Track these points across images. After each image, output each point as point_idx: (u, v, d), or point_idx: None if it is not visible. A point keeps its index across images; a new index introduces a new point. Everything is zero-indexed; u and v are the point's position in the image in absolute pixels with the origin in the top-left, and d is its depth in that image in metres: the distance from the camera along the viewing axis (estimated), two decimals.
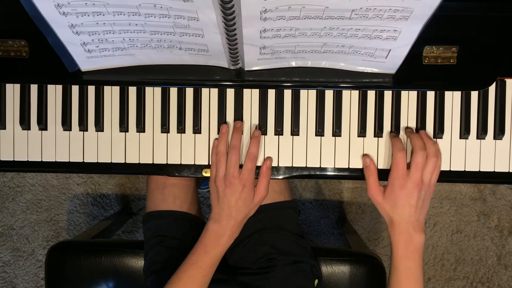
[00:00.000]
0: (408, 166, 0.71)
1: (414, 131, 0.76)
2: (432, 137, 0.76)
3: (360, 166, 0.77)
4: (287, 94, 0.77)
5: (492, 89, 0.76)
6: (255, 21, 0.59)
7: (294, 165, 0.77)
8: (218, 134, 0.77)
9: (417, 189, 0.70)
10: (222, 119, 0.77)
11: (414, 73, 0.72)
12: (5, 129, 0.78)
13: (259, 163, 0.76)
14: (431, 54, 0.71)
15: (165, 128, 0.77)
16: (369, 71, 0.71)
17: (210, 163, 0.77)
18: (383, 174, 0.74)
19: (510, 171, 0.76)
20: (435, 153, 0.71)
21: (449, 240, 1.54)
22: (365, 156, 0.76)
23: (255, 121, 0.77)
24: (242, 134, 0.76)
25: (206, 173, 0.78)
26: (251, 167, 0.74)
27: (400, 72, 0.70)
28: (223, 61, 0.70)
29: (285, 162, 0.77)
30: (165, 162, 0.78)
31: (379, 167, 0.76)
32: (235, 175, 0.73)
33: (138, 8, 0.59)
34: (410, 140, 0.74)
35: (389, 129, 0.76)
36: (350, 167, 0.77)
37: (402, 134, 0.77)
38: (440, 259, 1.55)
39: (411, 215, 0.70)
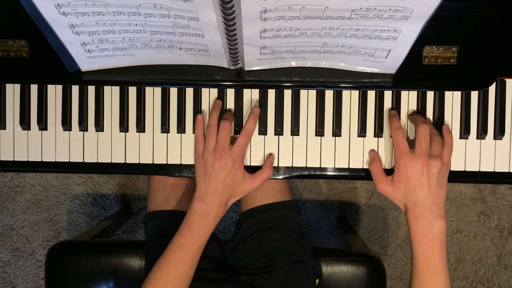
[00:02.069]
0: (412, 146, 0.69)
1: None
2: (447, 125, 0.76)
3: (360, 166, 0.76)
4: (287, 94, 0.77)
5: (492, 89, 0.76)
6: (255, 21, 0.59)
7: (294, 165, 0.77)
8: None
9: (425, 165, 0.66)
10: (221, 118, 0.77)
11: (414, 73, 0.72)
12: (5, 129, 0.78)
13: (258, 163, 0.76)
14: (431, 54, 0.71)
15: (165, 128, 0.77)
16: (369, 71, 0.71)
17: (195, 137, 0.74)
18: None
19: (510, 171, 0.76)
20: (436, 133, 0.70)
21: (449, 240, 1.54)
22: (371, 150, 0.76)
23: None
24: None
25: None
26: (244, 143, 0.71)
27: (400, 72, 0.70)
28: (223, 61, 0.70)
29: (285, 162, 0.77)
30: (165, 162, 0.78)
31: None
32: (226, 148, 0.70)
33: (138, 8, 0.59)
34: (411, 120, 0.73)
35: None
36: (350, 167, 0.77)
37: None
38: None
39: (425, 197, 0.65)
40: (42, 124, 0.77)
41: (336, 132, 0.77)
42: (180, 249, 0.71)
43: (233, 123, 0.75)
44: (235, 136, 0.76)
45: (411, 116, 0.74)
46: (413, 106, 0.77)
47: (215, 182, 0.70)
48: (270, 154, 0.77)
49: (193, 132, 0.77)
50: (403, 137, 0.69)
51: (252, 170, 0.76)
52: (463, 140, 0.77)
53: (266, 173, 0.74)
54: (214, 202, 0.71)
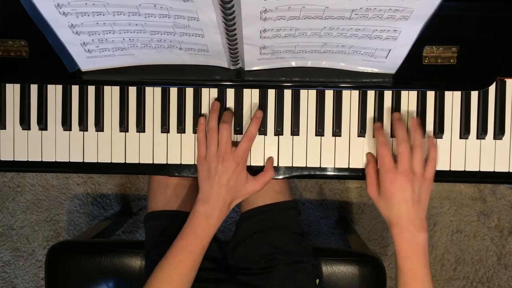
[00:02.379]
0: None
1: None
2: (433, 137, 0.76)
3: (360, 166, 0.77)
4: (287, 94, 0.77)
5: (492, 89, 0.76)
6: (255, 21, 0.59)
7: (294, 165, 0.77)
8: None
9: (408, 181, 0.68)
10: (220, 118, 0.77)
11: (414, 73, 0.72)
12: (5, 129, 0.78)
13: (258, 163, 0.76)
14: (431, 54, 0.71)
15: (165, 128, 0.77)
16: (369, 71, 0.71)
17: (197, 140, 0.74)
18: None
19: (510, 171, 0.76)
20: (420, 143, 0.70)
21: (449, 240, 1.54)
22: (368, 153, 0.76)
23: None
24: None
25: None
26: (247, 147, 0.72)
27: (400, 72, 0.70)
28: (223, 61, 0.70)
29: (285, 162, 0.77)
30: (165, 162, 0.78)
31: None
32: (228, 151, 0.71)
33: (138, 8, 0.59)
34: (394, 128, 0.73)
35: (389, 129, 0.76)
36: (350, 167, 0.77)
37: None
38: (440, 259, 1.55)
39: (409, 211, 0.69)
40: (42, 124, 0.77)
41: (336, 132, 0.77)
42: (183, 251, 0.72)
43: (232, 123, 0.75)
44: (235, 135, 0.76)
45: (396, 124, 0.73)
46: (413, 106, 0.77)
47: (218, 185, 0.71)
48: (270, 157, 0.77)
49: (193, 132, 0.77)
50: (389, 153, 0.71)
51: (251, 170, 0.76)
52: (463, 140, 0.77)
53: (269, 175, 0.75)
54: (217, 204, 0.71)
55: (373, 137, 0.76)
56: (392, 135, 0.76)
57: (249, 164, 0.77)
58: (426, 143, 0.73)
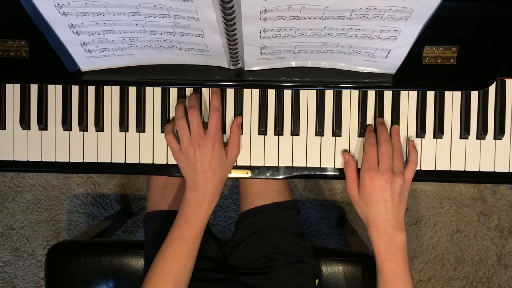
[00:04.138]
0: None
1: (415, 132, 0.76)
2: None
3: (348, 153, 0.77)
4: (287, 94, 0.77)
5: (492, 89, 0.76)
6: (255, 21, 0.59)
7: (294, 165, 0.77)
8: None
9: (389, 181, 0.69)
10: (222, 119, 0.77)
11: (414, 73, 0.72)
12: (5, 129, 0.78)
13: (258, 163, 0.76)
14: (431, 54, 0.71)
15: (165, 128, 0.77)
16: (369, 71, 0.71)
17: (166, 138, 0.74)
18: None
19: (510, 171, 0.76)
20: (400, 147, 0.72)
21: (449, 240, 1.54)
22: (344, 152, 0.76)
23: (255, 121, 0.77)
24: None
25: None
26: (216, 121, 0.72)
27: (400, 72, 0.70)
28: (223, 61, 0.70)
29: (285, 162, 0.77)
30: (165, 162, 0.78)
31: None
32: (201, 134, 0.70)
33: (138, 8, 0.59)
34: (378, 131, 0.74)
35: (389, 129, 0.76)
36: None
37: (400, 134, 0.76)
38: (440, 259, 1.55)
39: (387, 212, 0.69)
40: (42, 124, 0.77)
41: (336, 132, 0.77)
42: (177, 239, 0.72)
43: (201, 111, 0.74)
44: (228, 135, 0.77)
45: (379, 127, 0.74)
46: (413, 106, 0.77)
47: (202, 171, 0.71)
48: (238, 116, 0.76)
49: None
50: (375, 153, 0.71)
51: (252, 170, 0.76)
52: (463, 140, 0.77)
53: (236, 135, 0.74)
54: (206, 189, 0.71)
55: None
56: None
57: (248, 164, 0.77)
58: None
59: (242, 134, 0.77)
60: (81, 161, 0.78)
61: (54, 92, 0.78)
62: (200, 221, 0.72)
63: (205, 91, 0.77)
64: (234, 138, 0.74)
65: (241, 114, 0.77)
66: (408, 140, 0.76)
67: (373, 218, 0.70)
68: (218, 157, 0.71)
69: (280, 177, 0.78)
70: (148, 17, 0.61)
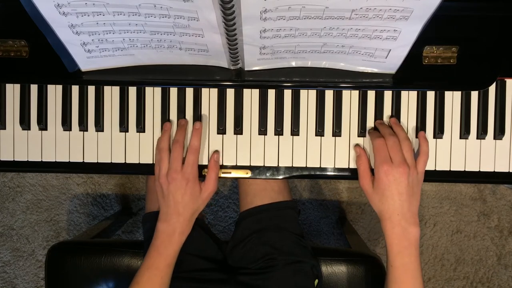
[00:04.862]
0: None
1: (415, 132, 0.76)
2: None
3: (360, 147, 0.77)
4: (287, 94, 0.77)
5: (492, 89, 0.76)
6: (255, 21, 0.59)
7: (294, 165, 0.77)
8: (217, 134, 0.77)
9: (404, 174, 0.68)
10: (222, 119, 0.77)
11: (414, 73, 0.72)
12: (5, 129, 0.78)
13: (258, 163, 0.76)
14: (431, 54, 0.71)
15: None
16: (369, 71, 0.71)
17: (154, 162, 0.76)
18: None
19: (510, 171, 0.76)
20: (406, 136, 0.72)
21: (449, 240, 1.54)
22: (356, 146, 0.76)
23: (255, 121, 0.77)
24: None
25: (205, 173, 0.78)
26: (193, 160, 0.73)
27: (400, 72, 0.70)
28: (223, 61, 0.70)
29: (285, 162, 0.77)
30: None
31: None
32: (177, 169, 0.72)
33: (138, 8, 0.59)
34: (379, 128, 0.74)
35: (389, 129, 0.76)
36: (350, 167, 0.77)
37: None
38: (440, 259, 1.55)
39: (402, 205, 0.69)
40: (42, 124, 0.77)
41: (336, 132, 0.77)
42: (149, 269, 0.73)
43: (185, 140, 0.75)
44: (235, 135, 0.76)
45: (379, 124, 0.75)
46: (413, 106, 0.77)
47: (173, 203, 0.72)
48: (215, 151, 0.76)
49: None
50: (385, 146, 0.71)
51: (252, 170, 0.76)
52: (463, 140, 0.77)
53: (214, 172, 0.75)
54: (177, 221, 0.73)
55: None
56: None
57: (249, 164, 0.77)
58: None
59: (242, 134, 0.77)
60: (81, 161, 0.78)
61: (54, 92, 0.78)
62: (171, 251, 0.74)
63: (205, 91, 0.77)
64: (211, 174, 0.75)
65: (241, 114, 0.77)
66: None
67: (388, 211, 0.69)
68: (191, 192, 0.72)
69: (280, 177, 0.78)
70: (148, 17, 0.61)
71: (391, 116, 0.76)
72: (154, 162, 0.77)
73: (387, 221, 0.70)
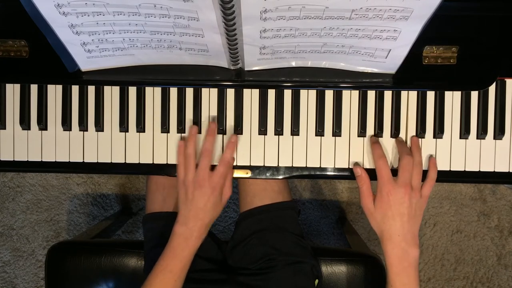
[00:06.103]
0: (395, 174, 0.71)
1: (415, 132, 0.76)
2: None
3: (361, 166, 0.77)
4: (287, 94, 0.77)
5: (492, 89, 0.76)
6: (255, 21, 0.59)
7: (294, 165, 0.77)
8: (217, 134, 0.77)
9: (407, 195, 0.69)
10: (222, 119, 0.77)
11: (414, 73, 0.72)
12: (5, 129, 0.78)
13: (258, 163, 0.76)
14: (431, 54, 0.71)
15: (165, 128, 0.77)
16: (369, 71, 0.71)
17: (177, 163, 0.76)
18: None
19: (510, 171, 0.76)
20: (420, 161, 0.72)
21: (449, 240, 1.54)
22: (355, 165, 0.76)
23: (255, 121, 0.77)
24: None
25: None
26: (223, 172, 0.74)
27: (400, 72, 0.70)
28: (223, 61, 0.70)
29: (285, 162, 0.77)
30: (165, 162, 0.78)
31: None
32: (205, 177, 0.73)
33: (138, 8, 0.59)
34: (397, 146, 0.75)
35: (389, 129, 0.77)
36: (350, 167, 0.77)
37: (401, 135, 0.77)
38: (440, 259, 1.55)
39: (403, 226, 0.69)
40: (42, 124, 0.77)
41: (336, 132, 0.77)
42: (163, 272, 0.73)
43: (215, 143, 0.75)
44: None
45: (398, 142, 0.75)
46: (413, 106, 0.77)
47: (195, 208, 0.73)
48: (227, 152, 0.75)
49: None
50: (387, 166, 0.71)
51: (252, 170, 0.76)
52: (463, 140, 0.77)
53: (231, 174, 0.76)
54: (195, 225, 0.74)
55: (374, 136, 0.76)
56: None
57: (249, 164, 0.77)
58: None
59: (242, 134, 0.77)
60: (81, 161, 0.78)
61: (54, 92, 0.78)
62: (186, 254, 0.74)
63: (205, 91, 0.77)
64: (227, 183, 0.76)
65: (241, 114, 0.77)
66: (411, 139, 0.76)
67: (389, 232, 0.70)
68: (214, 201, 0.74)
69: (280, 177, 0.78)
70: (148, 17, 0.61)
71: (392, 117, 0.76)
72: (155, 162, 0.77)
73: (388, 241, 0.70)
